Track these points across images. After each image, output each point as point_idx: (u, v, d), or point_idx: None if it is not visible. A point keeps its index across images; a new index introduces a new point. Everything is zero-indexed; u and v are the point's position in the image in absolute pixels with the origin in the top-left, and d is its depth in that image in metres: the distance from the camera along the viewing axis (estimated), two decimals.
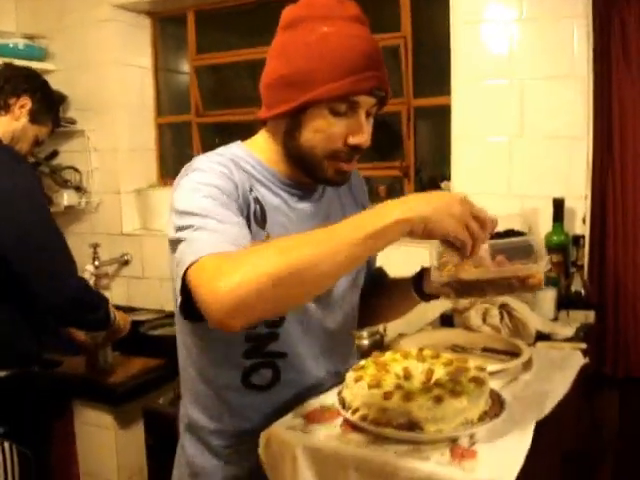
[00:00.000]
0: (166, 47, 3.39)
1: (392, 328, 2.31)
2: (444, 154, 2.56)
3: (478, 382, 1.18)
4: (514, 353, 1.52)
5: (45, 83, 2.26)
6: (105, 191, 3.23)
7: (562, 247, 2.17)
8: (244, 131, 3.05)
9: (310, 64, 1.19)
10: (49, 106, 2.23)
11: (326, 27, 1.20)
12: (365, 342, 2.19)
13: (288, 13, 1.26)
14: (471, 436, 1.10)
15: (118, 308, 2.82)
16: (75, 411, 2.46)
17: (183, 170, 1.26)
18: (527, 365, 1.47)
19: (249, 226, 1.21)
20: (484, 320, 1.79)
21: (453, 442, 1.09)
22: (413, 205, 1.04)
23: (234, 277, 0.97)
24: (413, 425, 1.11)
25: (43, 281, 1.96)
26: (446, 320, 2.02)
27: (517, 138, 2.34)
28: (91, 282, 2.92)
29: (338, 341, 1.42)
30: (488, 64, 2.37)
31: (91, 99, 3.07)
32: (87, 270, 2.97)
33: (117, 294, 3.18)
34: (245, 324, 1.01)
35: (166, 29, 3.37)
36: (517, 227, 1.35)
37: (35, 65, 3.01)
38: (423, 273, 1.47)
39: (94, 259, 3.05)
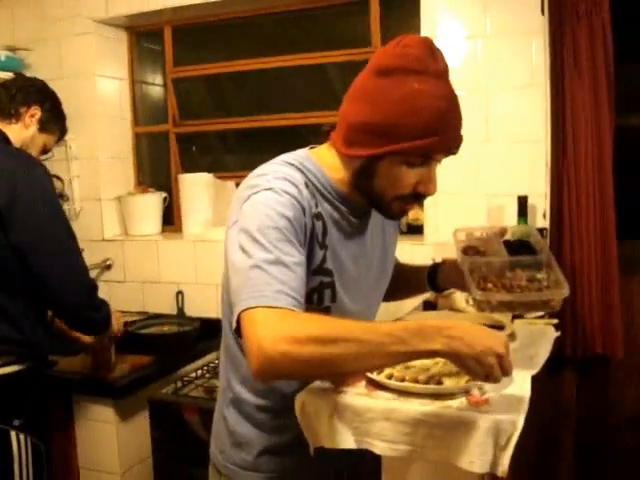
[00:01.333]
0: (141, 60, 3.52)
1: (378, 316, 2.50)
2: None
3: None
4: (498, 327, 1.73)
5: (54, 94, 2.37)
6: (86, 198, 3.33)
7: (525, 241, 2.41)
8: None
9: (397, 119, 1.26)
10: (57, 116, 2.35)
11: (417, 84, 1.26)
12: None
13: (382, 59, 1.32)
14: (480, 387, 1.30)
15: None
16: (75, 407, 2.54)
17: (250, 181, 1.34)
18: (512, 336, 1.68)
19: (311, 244, 1.34)
20: (467, 302, 2.00)
21: (467, 393, 1.29)
22: (457, 344, 1.13)
23: (282, 347, 1.10)
24: (433, 379, 1.30)
25: (60, 280, 2.07)
26: (428, 306, 2.22)
27: (483, 143, 2.56)
28: None
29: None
30: (455, 76, 2.53)
31: (71, 109, 3.12)
32: None
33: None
34: (272, 380, 1.28)
35: (141, 42, 3.51)
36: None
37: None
38: (438, 267, 1.68)
39: None
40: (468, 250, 1.63)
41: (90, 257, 3.26)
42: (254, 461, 1.50)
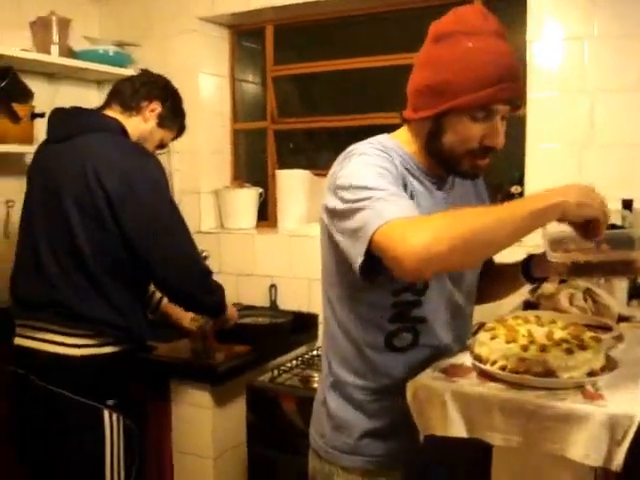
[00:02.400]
0: (241, 58, 3.62)
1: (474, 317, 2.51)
2: (512, 160, 2.77)
3: (597, 339, 1.39)
4: (605, 328, 1.72)
5: (176, 92, 2.44)
6: (185, 191, 3.44)
7: None
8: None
9: (455, 76, 1.36)
10: (177, 114, 2.43)
11: (471, 43, 1.36)
12: None
13: (437, 27, 1.43)
14: (593, 384, 1.30)
15: None
16: (173, 391, 2.62)
17: (342, 155, 1.44)
18: (619, 338, 1.67)
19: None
20: (571, 303, 1.99)
21: (580, 388, 1.28)
22: (568, 192, 1.21)
23: (425, 234, 1.17)
24: (548, 373, 1.30)
25: (174, 266, 2.16)
26: (529, 306, 2.20)
27: (587, 145, 2.54)
28: None
29: (462, 314, 1.61)
30: (561, 77, 2.58)
31: None
32: None
33: None
34: (432, 274, 1.24)
35: (241, 41, 3.61)
36: (617, 222, 1.57)
37: (122, 72, 3.25)
38: (531, 259, 1.68)
39: None
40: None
41: None
42: (355, 444, 1.53)
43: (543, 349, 1.33)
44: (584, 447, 1.20)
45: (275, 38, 3.46)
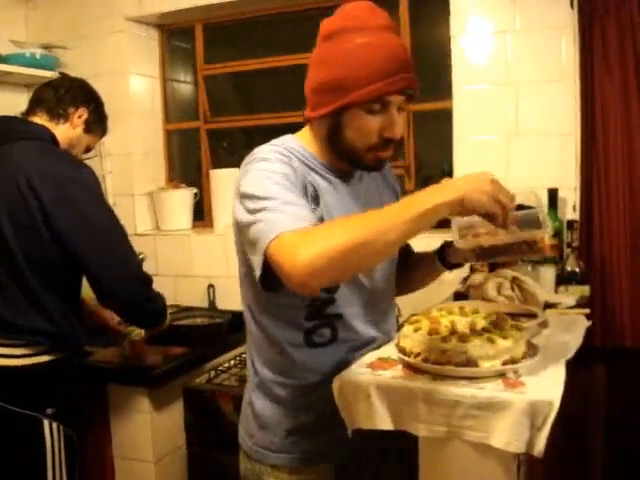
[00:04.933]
0: (172, 58, 3.58)
1: (405, 309, 2.54)
2: (443, 153, 2.80)
3: (518, 328, 1.42)
4: (531, 316, 1.75)
5: (98, 96, 2.41)
6: (119, 193, 3.39)
7: (557, 231, 2.43)
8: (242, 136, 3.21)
9: (346, 71, 1.38)
10: (101, 117, 2.39)
11: (359, 38, 1.39)
12: None
13: (325, 26, 1.45)
14: (515, 371, 1.32)
15: None
16: (110, 397, 2.59)
17: (247, 159, 1.44)
18: (544, 324, 1.71)
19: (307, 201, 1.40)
20: (498, 292, 2.02)
21: (502, 376, 1.31)
22: (454, 187, 1.21)
23: (311, 249, 1.17)
24: (469, 363, 1.32)
25: (114, 274, 2.10)
26: (460, 297, 2.24)
27: (513, 136, 2.60)
28: None
29: (380, 305, 1.62)
30: (485, 70, 2.62)
31: (105, 106, 3.23)
32: None
33: None
34: (320, 287, 1.24)
35: (172, 40, 3.57)
36: (531, 203, 1.58)
37: (49, 74, 3.16)
38: (445, 246, 1.70)
39: None
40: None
41: None
42: (282, 442, 1.54)
43: (464, 339, 1.34)
44: (506, 434, 1.22)
45: (207, 37, 3.43)
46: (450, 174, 2.75)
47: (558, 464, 2.24)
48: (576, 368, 2.56)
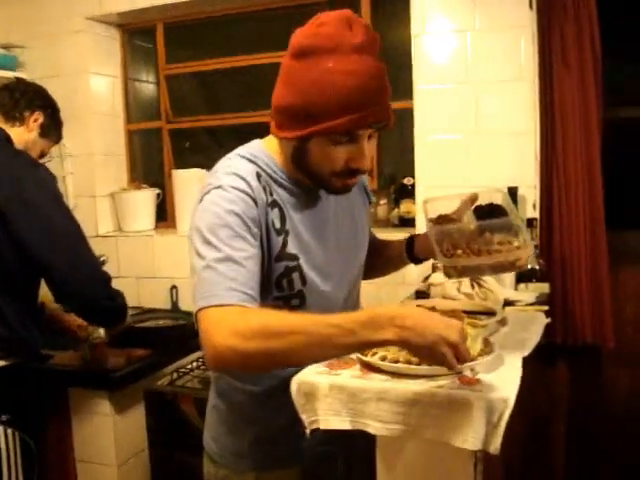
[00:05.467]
0: (134, 57, 3.55)
1: (367, 306, 2.54)
2: (406, 153, 2.81)
3: (474, 325, 1.42)
4: (490, 313, 1.76)
5: (54, 101, 2.41)
6: (80, 195, 3.35)
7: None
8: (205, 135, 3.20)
9: (314, 99, 1.29)
10: (56, 122, 2.40)
11: (331, 63, 1.27)
12: None
13: (297, 40, 1.33)
14: (472, 369, 1.33)
15: None
16: (71, 401, 2.55)
17: (205, 182, 1.38)
18: (503, 322, 1.71)
19: (268, 233, 1.37)
20: (458, 290, 2.03)
21: (459, 374, 1.31)
22: (408, 334, 1.14)
23: (228, 341, 1.16)
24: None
25: (73, 274, 2.09)
26: (421, 295, 2.24)
27: (473, 135, 2.61)
28: None
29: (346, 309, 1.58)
30: (445, 70, 2.63)
31: (64, 107, 3.15)
32: None
33: None
34: (224, 371, 1.31)
35: (134, 40, 3.54)
36: (498, 201, 1.60)
37: (9, 74, 3.12)
38: (414, 239, 1.70)
39: None
40: (441, 219, 1.61)
41: None
42: (247, 448, 1.53)
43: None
44: (463, 432, 1.22)
45: (169, 37, 3.41)
46: (412, 174, 2.76)
47: (520, 463, 2.26)
48: (538, 366, 2.61)
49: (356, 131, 1.32)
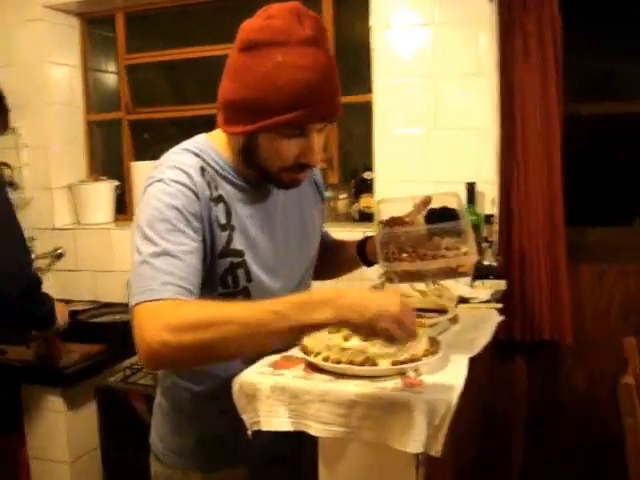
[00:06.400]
0: (94, 47, 3.48)
1: None
2: (366, 146, 2.78)
3: (420, 325, 1.40)
4: (442, 311, 1.74)
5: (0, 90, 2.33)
6: (37, 186, 3.28)
7: (474, 225, 2.43)
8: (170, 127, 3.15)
9: (263, 94, 1.27)
10: (1, 110, 2.32)
11: (280, 56, 1.25)
12: None
13: (245, 34, 1.31)
14: (416, 370, 1.31)
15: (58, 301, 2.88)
16: (24, 397, 2.52)
17: (149, 175, 1.34)
18: (454, 320, 1.70)
19: (211, 228, 1.34)
20: (412, 287, 2.01)
21: (402, 375, 1.29)
22: (345, 312, 1.12)
23: (162, 336, 1.12)
24: (369, 362, 1.30)
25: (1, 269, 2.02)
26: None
27: (432, 130, 2.58)
28: None
29: None
30: (405, 63, 2.60)
31: (22, 96, 3.11)
32: None
33: (51, 287, 3.23)
34: (157, 370, 1.25)
35: (94, 29, 3.46)
36: (452, 205, 1.57)
37: None
38: (366, 241, 1.68)
39: None
40: (392, 221, 1.59)
41: (41, 246, 3.24)
42: (193, 447, 1.51)
43: (364, 338, 1.32)
44: (404, 435, 1.20)
45: (131, 26, 3.34)
46: (370, 168, 2.74)
47: (476, 463, 2.25)
48: (497, 362, 2.60)
49: (307, 125, 1.30)
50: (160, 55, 3.28)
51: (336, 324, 1.17)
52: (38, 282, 2.18)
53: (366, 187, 2.80)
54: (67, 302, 3.10)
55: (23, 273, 2.10)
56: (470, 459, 2.11)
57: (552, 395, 2.69)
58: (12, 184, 3.21)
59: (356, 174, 2.92)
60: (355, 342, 1.32)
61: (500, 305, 1.95)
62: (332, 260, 1.74)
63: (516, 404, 2.72)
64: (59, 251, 3.26)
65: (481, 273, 2.27)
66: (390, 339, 1.16)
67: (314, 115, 1.29)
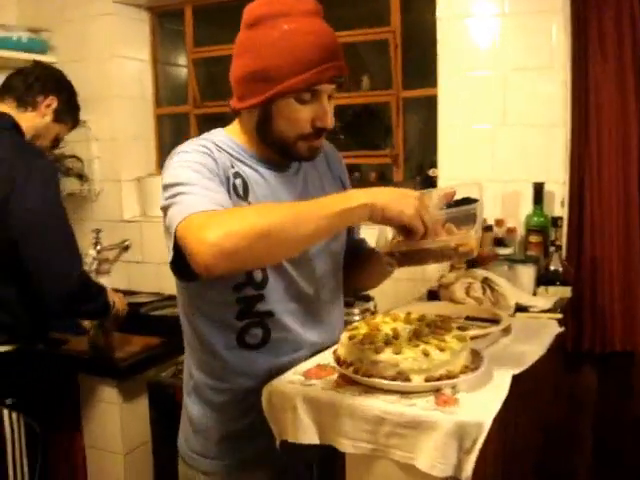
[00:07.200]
0: (164, 40, 3.50)
1: (382, 305, 2.45)
2: (432, 143, 2.68)
3: (460, 339, 1.31)
4: (495, 321, 1.64)
5: (71, 85, 2.37)
6: (106, 179, 3.33)
7: (542, 228, 2.30)
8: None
9: (274, 60, 1.32)
10: (72, 107, 2.35)
11: (286, 24, 1.32)
12: (356, 318, 2.31)
13: (250, 11, 1.38)
14: (453, 386, 1.23)
15: (117, 292, 2.93)
16: (81, 387, 2.55)
17: (170, 155, 1.40)
18: (506, 331, 1.59)
19: (230, 195, 1.35)
20: (467, 293, 1.91)
21: (437, 391, 1.21)
22: (376, 194, 1.22)
23: (219, 229, 1.12)
24: (401, 376, 1.23)
25: (48, 272, 2.04)
26: (433, 295, 2.14)
27: (500, 126, 2.46)
28: (93, 267, 3.03)
29: (316, 305, 1.52)
30: (472, 56, 2.48)
31: (92, 90, 3.16)
32: (89, 255, 3.08)
33: (117, 278, 3.29)
34: (226, 270, 1.16)
35: (164, 23, 3.48)
36: (474, 196, 1.47)
37: (37, 58, 3.10)
38: None
39: (95, 244, 3.15)
40: None
41: (109, 238, 3.28)
42: (214, 448, 1.50)
43: (397, 351, 1.25)
44: (430, 456, 1.14)
45: (199, 19, 3.34)
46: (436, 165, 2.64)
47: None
48: (564, 374, 2.46)
49: (318, 86, 1.34)
50: (227, 49, 3.25)
51: (369, 205, 1.20)
52: (84, 282, 2.18)
53: (430, 185, 2.70)
54: (131, 294, 3.16)
55: (72, 273, 2.10)
56: (527, 477, 2.00)
57: (623, 410, 2.52)
58: (82, 176, 3.27)
59: (421, 170, 2.83)
60: (387, 355, 1.25)
61: (560, 315, 1.83)
62: (363, 267, 1.68)
63: (583, 420, 2.56)
64: (126, 243, 3.30)
65: (546, 279, 2.14)
66: (413, 223, 1.23)
67: (324, 75, 1.33)
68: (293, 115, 1.36)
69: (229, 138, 1.45)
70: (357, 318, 2.32)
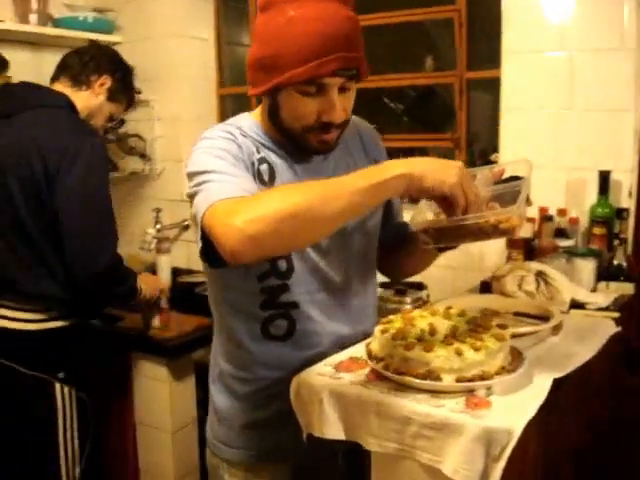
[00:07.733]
0: (228, 20, 3.47)
1: (435, 294, 2.38)
2: (497, 126, 2.57)
3: (498, 338, 1.24)
4: (546, 318, 1.55)
5: (126, 64, 2.39)
6: (168, 159, 3.35)
7: (606, 220, 2.18)
8: None
9: (276, 49, 1.26)
10: (127, 86, 2.38)
11: (293, 10, 1.25)
12: (408, 307, 2.25)
13: None
14: (488, 388, 1.16)
15: (178, 271, 2.95)
16: (133, 364, 2.60)
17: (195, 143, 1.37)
18: (556, 329, 1.50)
19: (255, 181, 1.33)
20: (519, 287, 1.82)
21: (470, 392, 1.16)
22: (414, 163, 1.15)
23: (246, 215, 1.09)
24: (432, 375, 1.18)
25: (78, 250, 2.05)
26: (485, 287, 2.05)
27: (566, 110, 2.33)
28: (152, 245, 3.05)
29: (344, 295, 1.48)
30: (538, 36, 2.36)
31: (156, 70, 3.18)
32: (149, 233, 3.10)
33: (177, 257, 3.31)
34: (254, 257, 1.13)
35: (228, 2, 3.45)
36: (522, 174, 1.37)
37: (103, 38, 3.18)
38: None
39: (156, 223, 3.18)
40: None
41: (169, 217, 3.30)
42: (237, 437, 1.50)
43: (428, 349, 1.19)
44: (455, 461, 1.08)
45: None
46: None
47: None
48: (624, 376, 2.33)
49: (320, 79, 1.27)
50: None
51: (407, 175, 1.13)
52: (116, 265, 2.17)
53: None
54: (190, 273, 3.18)
55: (102, 256, 2.10)
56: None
57: None
58: (144, 156, 3.30)
59: (483, 155, 2.72)
60: (417, 352, 1.19)
61: (617, 314, 1.72)
62: (406, 253, 1.60)
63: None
64: (186, 222, 3.32)
65: (608, 274, 2.03)
66: (454, 193, 1.16)
67: (326, 68, 1.24)
68: (297, 107, 1.30)
69: (254, 123, 1.42)
70: (408, 307, 2.25)
